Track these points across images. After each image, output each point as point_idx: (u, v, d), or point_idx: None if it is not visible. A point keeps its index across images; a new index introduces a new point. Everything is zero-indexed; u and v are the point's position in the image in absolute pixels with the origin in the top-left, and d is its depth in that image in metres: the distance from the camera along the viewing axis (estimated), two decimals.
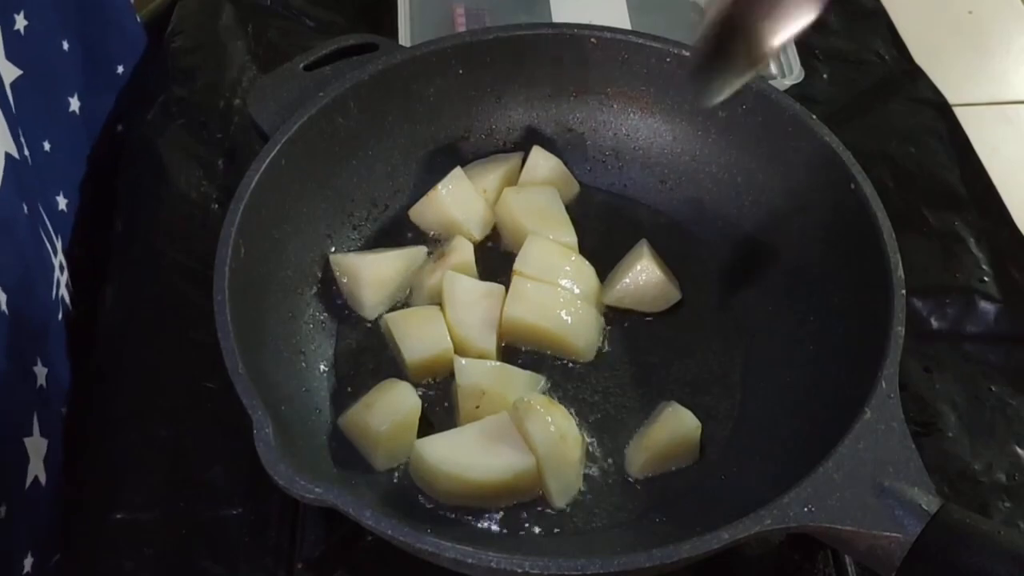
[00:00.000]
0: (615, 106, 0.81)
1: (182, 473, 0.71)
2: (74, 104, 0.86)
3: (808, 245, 0.73)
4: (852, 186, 0.69)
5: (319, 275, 0.75)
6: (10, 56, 0.74)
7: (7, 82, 0.73)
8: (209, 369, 0.70)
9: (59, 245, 0.78)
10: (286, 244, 0.73)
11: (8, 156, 0.68)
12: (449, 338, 0.71)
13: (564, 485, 0.66)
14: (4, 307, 0.64)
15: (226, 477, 0.70)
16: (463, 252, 0.75)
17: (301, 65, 0.77)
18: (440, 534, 0.55)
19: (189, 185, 0.86)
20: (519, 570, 0.53)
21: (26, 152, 0.73)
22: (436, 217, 0.78)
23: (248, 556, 0.67)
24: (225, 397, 0.59)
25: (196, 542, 0.68)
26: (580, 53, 0.79)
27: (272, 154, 0.70)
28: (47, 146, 0.79)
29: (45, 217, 0.76)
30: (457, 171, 0.78)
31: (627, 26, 0.93)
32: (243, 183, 0.68)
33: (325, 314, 0.74)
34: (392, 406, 0.67)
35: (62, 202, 0.82)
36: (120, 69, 0.94)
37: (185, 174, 0.87)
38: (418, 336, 0.71)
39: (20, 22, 0.76)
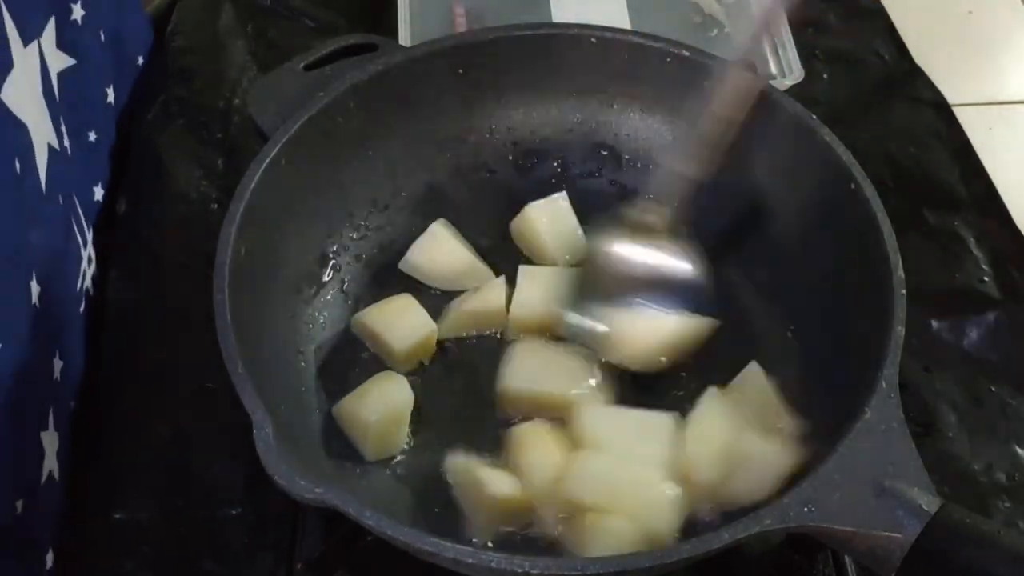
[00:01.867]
0: (615, 106, 0.81)
1: (182, 473, 0.71)
2: (111, 95, 0.86)
3: (808, 245, 0.73)
4: (852, 186, 0.69)
5: (319, 275, 0.75)
6: (63, 46, 0.74)
7: (54, 72, 0.73)
8: (209, 369, 0.70)
9: (89, 237, 0.78)
10: (286, 244, 0.73)
11: (50, 147, 0.68)
12: (432, 321, 0.72)
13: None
14: (36, 300, 0.64)
15: (226, 477, 0.70)
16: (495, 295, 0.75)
17: (301, 65, 0.77)
18: (440, 534, 0.55)
19: (189, 185, 0.86)
20: (519, 570, 0.53)
21: (66, 143, 0.73)
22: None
23: (248, 556, 0.67)
24: (225, 397, 0.59)
25: (196, 542, 0.68)
26: (580, 53, 0.79)
27: (272, 154, 0.70)
28: (92, 136, 0.79)
29: (79, 209, 0.75)
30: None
31: (627, 26, 0.93)
32: (243, 183, 0.68)
33: (325, 314, 0.74)
34: (385, 398, 0.68)
35: (99, 193, 0.81)
36: (140, 60, 0.94)
37: (185, 174, 0.87)
38: (401, 324, 0.72)
39: (77, 12, 0.76)
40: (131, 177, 0.88)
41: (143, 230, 0.84)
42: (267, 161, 0.69)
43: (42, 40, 0.70)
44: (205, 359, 0.63)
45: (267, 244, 0.70)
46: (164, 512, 0.69)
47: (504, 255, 0.78)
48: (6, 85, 0.62)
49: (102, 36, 0.84)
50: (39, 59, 0.70)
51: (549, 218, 0.78)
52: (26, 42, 0.67)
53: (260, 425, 0.57)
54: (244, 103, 0.90)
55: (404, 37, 0.91)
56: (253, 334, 0.65)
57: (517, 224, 0.79)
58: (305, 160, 0.72)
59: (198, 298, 0.63)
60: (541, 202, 0.79)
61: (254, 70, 0.95)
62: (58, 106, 0.72)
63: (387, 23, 0.93)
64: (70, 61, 0.74)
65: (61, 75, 0.73)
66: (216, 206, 0.85)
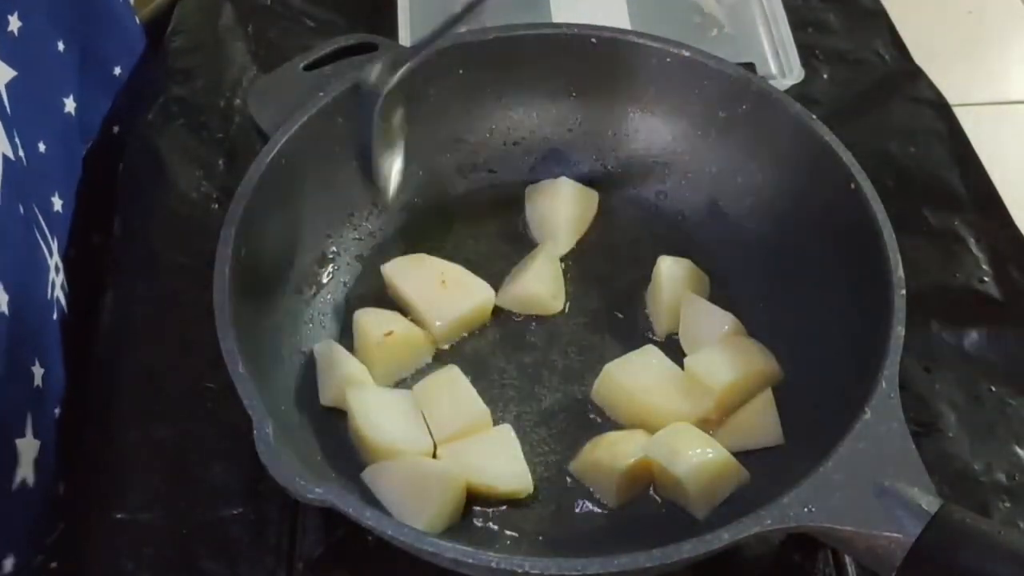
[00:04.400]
0: (615, 106, 0.81)
1: (182, 473, 0.71)
2: (69, 105, 0.86)
3: (808, 245, 0.73)
4: (852, 186, 0.69)
5: (319, 275, 0.75)
6: (4, 57, 0.74)
7: (1, 83, 0.73)
8: (209, 369, 0.70)
9: (55, 246, 0.78)
10: (286, 244, 0.73)
11: (4, 157, 0.68)
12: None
13: None
14: (5, 308, 0.64)
15: (226, 477, 0.70)
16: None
17: (301, 65, 0.78)
18: (440, 534, 0.55)
19: (189, 185, 0.86)
20: (519, 570, 0.53)
21: (21, 153, 0.73)
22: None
23: (248, 556, 0.67)
24: (225, 397, 0.59)
25: (196, 542, 0.68)
26: (580, 53, 0.79)
27: (272, 154, 0.70)
28: (42, 147, 0.79)
29: (40, 218, 0.76)
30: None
31: (627, 26, 0.93)
32: (243, 183, 0.68)
33: (325, 314, 0.74)
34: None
35: (57, 203, 0.81)
36: (117, 70, 0.94)
37: (185, 174, 0.87)
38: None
39: (14, 23, 0.76)
40: (130, 177, 0.88)
41: (142, 230, 0.84)
42: (267, 161, 0.69)
43: None
44: (205, 359, 0.63)
45: (267, 244, 0.70)
46: (164, 512, 0.69)
47: (503, 256, 0.78)
48: None
49: (60, 46, 0.84)
50: None
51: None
52: None
53: (260, 425, 0.57)
54: (244, 103, 0.90)
55: (404, 37, 0.91)
56: (253, 334, 0.65)
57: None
58: (305, 160, 0.72)
59: (198, 298, 0.63)
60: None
61: (254, 70, 0.95)
62: (9, 117, 0.72)
63: (387, 23, 0.93)
64: (12, 72, 0.74)
65: (8, 86, 0.73)
66: (216, 206, 0.84)
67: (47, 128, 0.81)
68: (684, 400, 0.68)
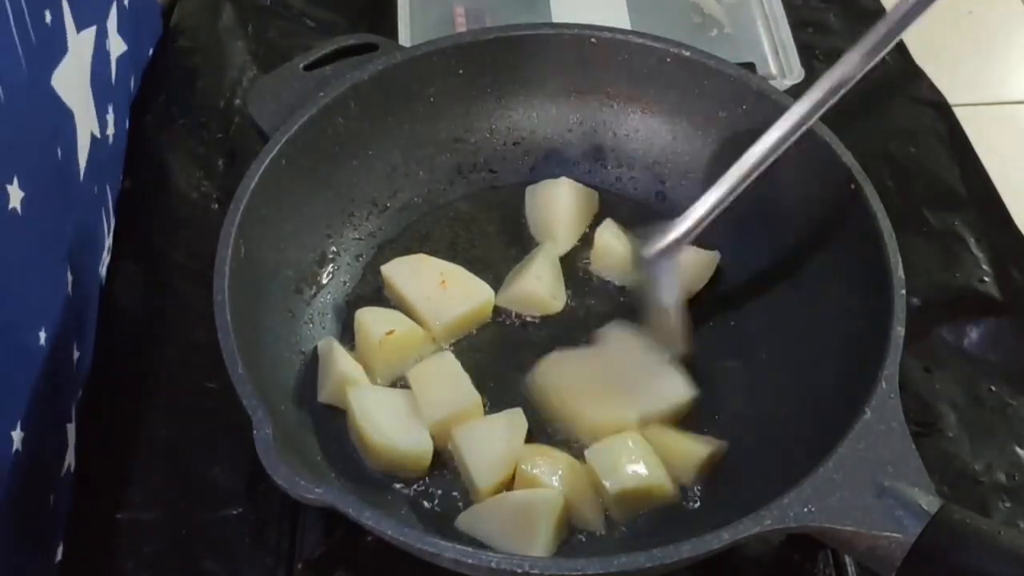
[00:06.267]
0: (615, 106, 0.82)
1: (182, 473, 0.71)
2: (132, 85, 0.86)
3: (808, 245, 0.73)
4: (852, 186, 0.69)
5: (319, 275, 0.75)
6: (121, 31, 0.73)
7: (113, 57, 0.72)
8: (209, 369, 0.70)
9: (112, 225, 0.77)
10: (286, 244, 0.73)
11: (92, 136, 0.68)
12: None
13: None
14: (70, 289, 0.64)
15: (226, 477, 0.70)
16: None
17: (301, 65, 0.78)
18: (440, 534, 0.55)
19: (189, 185, 0.86)
20: (519, 570, 0.53)
21: (108, 131, 0.72)
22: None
23: (248, 556, 0.67)
24: (225, 397, 0.59)
25: (196, 542, 0.68)
26: (580, 53, 0.79)
27: (272, 154, 0.70)
28: (126, 124, 0.79)
29: (109, 197, 0.75)
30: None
31: (627, 26, 0.93)
32: (243, 183, 0.68)
33: (325, 314, 0.74)
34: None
35: (128, 183, 0.81)
36: (151, 51, 0.94)
37: (185, 174, 0.87)
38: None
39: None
40: (131, 177, 0.88)
41: (143, 230, 0.84)
42: (267, 161, 0.69)
43: (108, 24, 0.69)
44: (205, 359, 0.63)
45: (267, 244, 0.70)
46: (165, 512, 0.69)
47: (503, 256, 0.78)
48: (58, 71, 0.61)
49: (137, 25, 0.83)
50: (93, 45, 0.69)
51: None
52: (80, 28, 0.67)
53: (260, 425, 0.57)
54: (244, 103, 0.90)
55: (404, 37, 0.91)
56: (253, 334, 0.65)
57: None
58: (305, 160, 0.72)
59: (198, 298, 0.63)
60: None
61: (254, 70, 0.95)
62: (112, 93, 0.71)
63: (387, 23, 0.93)
64: (124, 47, 0.73)
65: (119, 60, 0.72)
66: (216, 206, 0.85)
67: (127, 107, 0.80)
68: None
